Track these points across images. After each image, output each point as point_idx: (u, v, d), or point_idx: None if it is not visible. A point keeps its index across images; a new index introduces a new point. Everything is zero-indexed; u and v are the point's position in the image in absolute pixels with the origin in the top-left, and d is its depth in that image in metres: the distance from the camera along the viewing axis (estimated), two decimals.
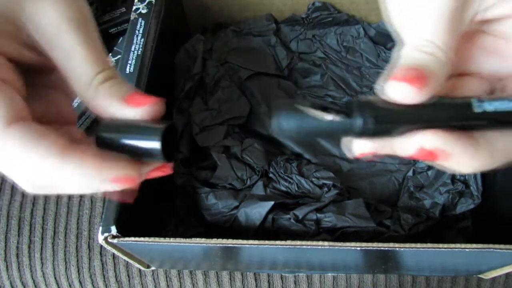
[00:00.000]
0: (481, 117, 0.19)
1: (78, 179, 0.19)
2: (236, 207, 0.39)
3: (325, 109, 0.19)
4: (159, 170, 0.22)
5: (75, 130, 0.23)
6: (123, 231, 0.30)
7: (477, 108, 0.19)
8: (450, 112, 0.19)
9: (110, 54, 0.48)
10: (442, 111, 0.19)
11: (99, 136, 0.21)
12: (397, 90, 0.19)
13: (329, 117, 0.19)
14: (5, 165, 0.19)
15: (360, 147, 0.21)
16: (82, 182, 0.20)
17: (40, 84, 0.23)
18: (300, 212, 0.38)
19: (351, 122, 0.19)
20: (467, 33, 0.23)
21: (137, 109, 0.21)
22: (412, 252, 0.30)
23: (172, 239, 0.29)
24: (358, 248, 0.29)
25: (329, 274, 0.42)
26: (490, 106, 0.19)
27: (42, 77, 0.23)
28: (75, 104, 0.46)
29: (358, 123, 0.19)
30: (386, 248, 0.29)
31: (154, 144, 0.20)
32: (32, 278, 0.43)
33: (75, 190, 0.21)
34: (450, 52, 0.20)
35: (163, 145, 0.20)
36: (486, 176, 0.41)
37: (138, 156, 0.21)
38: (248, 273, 0.42)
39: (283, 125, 0.19)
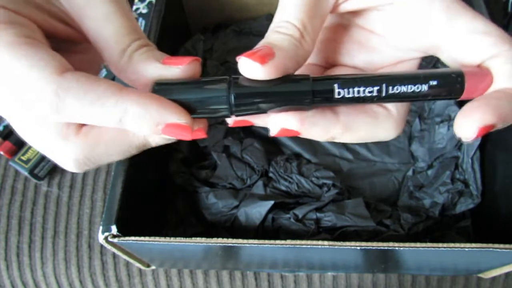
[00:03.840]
0: (341, 101, 0.21)
1: (134, 121, 0.19)
2: (236, 207, 0.39)
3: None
4: (196, 132, 0.21)
5: None
6: (124, 231, 0.30)
7: (336, 95, 0.20)
8: (310, 94, 0.20)
9: None
10: (303, 94, 0.20)
11: (155, 90, 0.20)
12: (243, 66, 0.19)
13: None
14: (64, 112, 0.19)
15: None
16: (137, 123, 0.19)
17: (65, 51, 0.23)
18: (300, 212, 0.38)
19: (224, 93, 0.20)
20: (341, 25, 0.25)
21: (176, 67, 0.20)
22: (412, 252, 0.30)
23: (172, 239, 0.29)
24: (358, 248, 0.29)
25: (329, 273, 0.42)
26: (348, 94, 0.20)
27: (66, 46, 0.23)
28: None
29: (231, 97, 0.20)
30: (386, 248, 0.29)
31: (221, 93, 0.20)
32: (33, 278, 0.43)
33: (122, 141, 0.21)
34: (308, 33, 0.21)
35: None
36: (486, 176, 0.41)
37: (199, 109, 0.20)
38: (248, 272, 0.42)
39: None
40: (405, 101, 0.22)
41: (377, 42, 0.24)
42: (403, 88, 0.20)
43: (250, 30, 0.50)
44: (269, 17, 0.50)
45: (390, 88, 0.20)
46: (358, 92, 0.20)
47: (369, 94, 0.20)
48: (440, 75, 0.21)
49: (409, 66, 0.24)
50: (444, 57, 0.22)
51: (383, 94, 0.20)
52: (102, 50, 0.21)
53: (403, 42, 0.23)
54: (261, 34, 0.51)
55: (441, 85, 0.20)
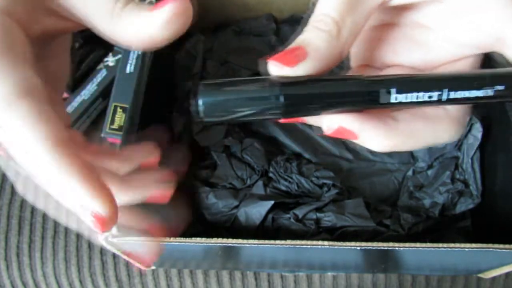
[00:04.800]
0: (397, 104, 0.19)
1: (55, 185, 0.17)
2: (236, 207, 0.39)
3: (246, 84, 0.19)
4: (162, 195, 0.20)
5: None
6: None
7: (393, 99, 0.19)
8: (365, 96, 0.19)
9: (111, 54, 0.48)
10: (358, 95, 0.19)
11: (201, 91, 0.18)
12: (272, 69, 0.19)
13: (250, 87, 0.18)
14: (8, 141, 0.18)
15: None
16: (59, 190, 0.18)
17: (41, 56, 0.22)
18: (300, 212, 0.38)
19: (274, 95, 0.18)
20: (393, 23, 0.23)
21: (163, 8, 0.19)
22: (412, 252, 0.30)
23: (172, 239, 0.29)
24: (358, 248, 0.29)
25: (329, 273, 0.42)
26: (404, 99, 0.19)
27: (44, 48, 0.23)
28: (71, 107, 0.45)
29: (280, 98, 0.18)
30: (386, 248, 0.29)
31: (275, 92, 0.18)
32: (33, 278, 0.43)
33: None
34: (346, 28, 0.19)
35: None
36: (486, 176, 0.41)
37: (249, 112, 0.18)
38: (248, 272, 0.42)
39: (201, 107, 0.18)
40: (467, 104, 0.20)
41: (434, 38, 0.22)
42: (466, 94, 0.19)
43: (250, 30, 0.50)
44: (269, 17, 0.50)
45: (452, 93, 0.19)
46: (417, 97, 0.19)
47: (428, 99, 0.19)
48: (508, 76, 0.18)
49: (470, 64, 0.22)
50: (510, 54, 0.20)
51: (444, 98, 0.19)
52: (92, 21, 0.20)
53: (463, 37, 0.21)
54: (261, 34, 0.52)
55: (509, 88, 0.18)
